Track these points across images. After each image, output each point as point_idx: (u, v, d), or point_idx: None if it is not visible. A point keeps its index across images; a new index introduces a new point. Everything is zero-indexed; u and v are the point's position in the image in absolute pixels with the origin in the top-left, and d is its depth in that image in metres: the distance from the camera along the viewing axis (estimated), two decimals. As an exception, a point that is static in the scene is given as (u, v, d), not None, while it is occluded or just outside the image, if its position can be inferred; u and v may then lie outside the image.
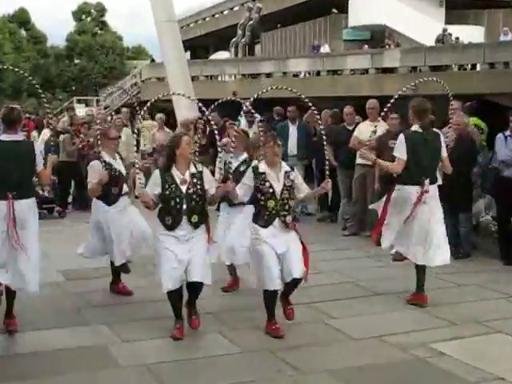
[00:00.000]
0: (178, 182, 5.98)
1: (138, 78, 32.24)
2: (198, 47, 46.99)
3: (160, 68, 24.80)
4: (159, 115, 16.12)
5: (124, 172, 7.34)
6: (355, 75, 23.06)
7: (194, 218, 5.98)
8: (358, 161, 10.32)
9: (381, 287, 7.61)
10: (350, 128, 10.92)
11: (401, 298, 7.17)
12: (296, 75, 24.90)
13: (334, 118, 11.91)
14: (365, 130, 9.82)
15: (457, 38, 27.81)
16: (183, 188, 5.98)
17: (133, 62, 52.75)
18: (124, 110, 17.68)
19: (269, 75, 25.86)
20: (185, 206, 5.95)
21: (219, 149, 6.82)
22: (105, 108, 32.07)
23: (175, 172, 6.02)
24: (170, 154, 6.05)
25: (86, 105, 36.67)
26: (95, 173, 7.06)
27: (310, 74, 24.85)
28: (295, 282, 6.04)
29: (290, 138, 12.11)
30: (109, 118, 17.32)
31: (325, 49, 31.12)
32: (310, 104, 6.63)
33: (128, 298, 7.35)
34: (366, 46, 29.33)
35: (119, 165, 7.31)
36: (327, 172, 6.36)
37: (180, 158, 6.01)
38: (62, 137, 13.84)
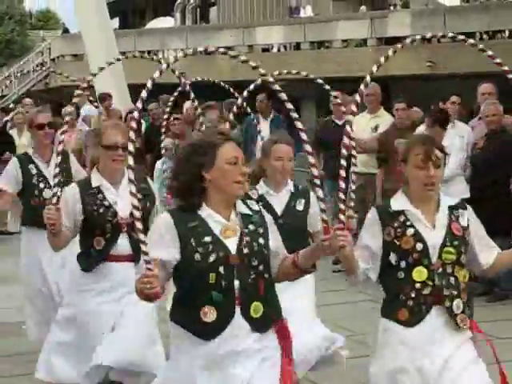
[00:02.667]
0: None
1: (46, 56, 32.16)
2: (131, 12, 47.03)
3: (77, 41, 24.76)
4: (69, 109, 15.99)
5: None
6: (349, 48, 23.28)
7: None
8: (355, 168, 10.36)
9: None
10: (340, 122, 10.90)
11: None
12: (267, 49, 25.08)
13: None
14: (362, 126, 9.88)
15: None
16: None
17: (38, 33, 52.53)
18: (27, 100, 17.57)
19: (229, 50, 25.96)
20: None
21: (163, 151, 6.98)
22: (0, 98, 31.91)
23: None
24: None
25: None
26: None
27: (286, 47, 25.03)
28: None
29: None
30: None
31: (306, 12, 31.29)
32: (327, 87, 6.40)
33: None
34: (364, 8, 29.56)
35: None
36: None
37: None
38: None
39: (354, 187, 4.78)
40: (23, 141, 14.82)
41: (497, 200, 8.93)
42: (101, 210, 5.55)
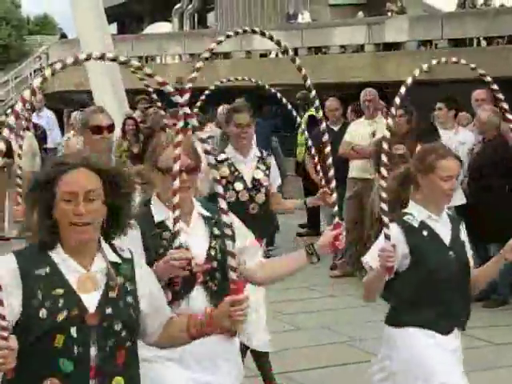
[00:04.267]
0: None
1: (43, 61, 32.18)
2: (128, 17, 47.00)
3: (74, 46, 24.77)
4: (74, 114, 16.06)
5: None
6: (346, 54, 23.29)
7: None
8: (351, 173, 10.41)
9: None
10: (336, 128, 11.00)
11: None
12: (264, 55, 25.06)
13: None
14: (360, 131, 9.91)
15: (485, 1, 28.14)
16: None
17: (36, 38, 52.50)
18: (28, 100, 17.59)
19: (226, 56, 25.97)
20: None
21: None
22: (-2, 102, 31.91)
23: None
24: None
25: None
26: None
27: (284, 52, 25.06)
28: None
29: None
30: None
31: (304, 18, 31.31)
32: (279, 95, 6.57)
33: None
34: (361, 14, 29.57)
35: None
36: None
37: None
38: None
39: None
40: (23, 146, 14.80)
41: (493, 206, 8.95)
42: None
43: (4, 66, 41.90)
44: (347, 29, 24.40)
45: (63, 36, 39.75)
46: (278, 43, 4.56)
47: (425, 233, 4.59)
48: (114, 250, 3.35)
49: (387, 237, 4.35)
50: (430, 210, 4.65)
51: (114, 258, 3.31)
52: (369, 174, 9.67)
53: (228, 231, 3.37)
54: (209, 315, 3.44)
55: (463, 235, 4.81)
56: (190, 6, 32.92)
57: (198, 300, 3.97)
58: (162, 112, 13.93)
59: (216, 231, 3.88)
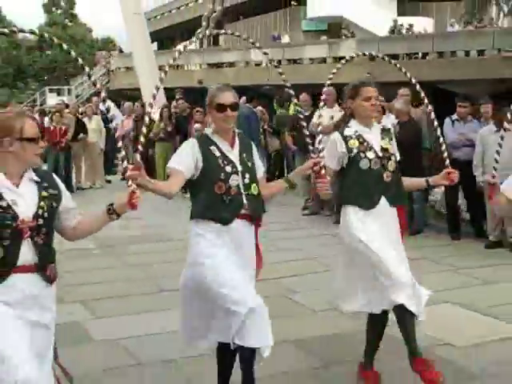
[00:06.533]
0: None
1: (107, 68, 31.96)
2: (165, 38, 46.58)
3: (128, 58, 24.58)
4: (127, 103, 16.03)
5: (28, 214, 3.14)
6: (314, 64, 23.13)
7: None
8: (317, 146, 10.44)
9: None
10: (307, 114, 10.99)
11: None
12: (258, 64, 24.88)
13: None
14: (323, 116, 9.89)
15: (408, 29, 27.99)
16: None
17: (102, 53, 52.11)
18: (94, 99, 17.53)
19: (232, 64, 25.85)
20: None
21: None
22: (76, 97, 31.74)
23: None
24: None
25: (58, 94, 36.18)
26: None
27: (271, 63, 24.92)
28: None
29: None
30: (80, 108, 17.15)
31: (285, 39, 31.11)
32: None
33: (101, 276, 7.32)
34: (324, 37, 29.35)
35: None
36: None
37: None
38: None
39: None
40: (92, 125, 14.80)
41: (410, 166, 8.91)
42: None
43: (80, 72, 41.69)
44: (314, 47, 24.33)
45: (121, 51, 39.39)
46: (265, 54, 4.59)
47: (355, 138, 4.24)
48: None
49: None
50: (363, 125, 4.29)
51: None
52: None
53: (54, 192, 3.18)
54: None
55: (392, 143, 4.37)
56: (208, 30, 32.82)
57: (26, 253, 3.05)
58: (187, 104, 13.99)
59: (44, 193, 3.14)
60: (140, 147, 3.70)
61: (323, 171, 4.02)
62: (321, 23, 32.97)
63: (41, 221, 3.10)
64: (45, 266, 3.14)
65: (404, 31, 27.58)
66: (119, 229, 8.68)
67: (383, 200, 4.20)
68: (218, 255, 3.72)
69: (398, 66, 4.49)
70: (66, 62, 51.58)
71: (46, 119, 14.76)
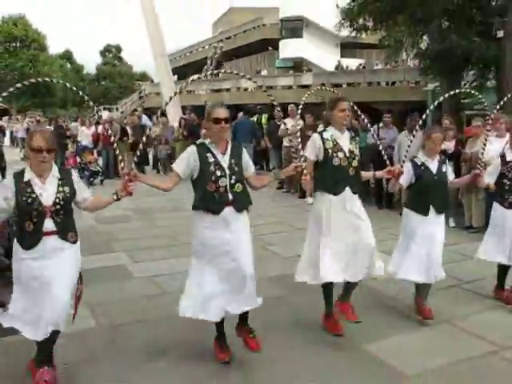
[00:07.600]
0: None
1: (143, 93, 31.65)
2: (182, 72, 46.00)
3: (157, 86, 24.28)
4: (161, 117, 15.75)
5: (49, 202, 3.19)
6: (284, 89, 23.05)
7: None
8: (285, 144, 10.54)
9: (303, 224, 7.62)
10: (278, 123, 11.05)
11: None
12: (246, 89, 24.80)
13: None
14: (288, 124, 9.84)
15: (347, 66, 27.95)
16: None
17: (140, 83, 51.69)
18: (136, 112, 17.29)
19: (228, 90, 25.78)
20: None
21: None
22: (121, 113, 31.34)
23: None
24: None
25: (109, 110, 35.98)
26: None
27: (254, 88, 24.71)
28: None
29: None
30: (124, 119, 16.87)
31: (264, 72, 30.91)
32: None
33: (137, 233, 7.26)
34: (291, 71, 29.20)
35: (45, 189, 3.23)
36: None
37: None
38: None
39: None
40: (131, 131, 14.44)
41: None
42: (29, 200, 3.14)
43: (124, 97, 41.27)
44: (284, 78, 24.36)
45: (152, 81, 38.88)
46: (255, 82, 4.30)
47: (330, 140, 3.89)
48: None
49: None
50: (337, 130, 3.92)
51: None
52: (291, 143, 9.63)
53: (68, 187, 3.24)
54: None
55: (357, 146, 3.98)
56: (211, 66, 32.48)
57: (49, 227, 3.17)
58: (195, 116, 13.81)
59: (61, 188, 3.19)
60: (138, 152, 3.91)
61: (305, 171, 3.68)
62: (288, 62, 32.74)
63: (58, 206, 3.19)
64: (65, 234, 3.25)
65: (345, 68, 27.51)
66: (149, 202, 8.66)
67: (347, 188, 3.90)
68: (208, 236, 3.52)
69: (335, 91, 4.35)
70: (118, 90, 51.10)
71: (100, 127, 14.46)
